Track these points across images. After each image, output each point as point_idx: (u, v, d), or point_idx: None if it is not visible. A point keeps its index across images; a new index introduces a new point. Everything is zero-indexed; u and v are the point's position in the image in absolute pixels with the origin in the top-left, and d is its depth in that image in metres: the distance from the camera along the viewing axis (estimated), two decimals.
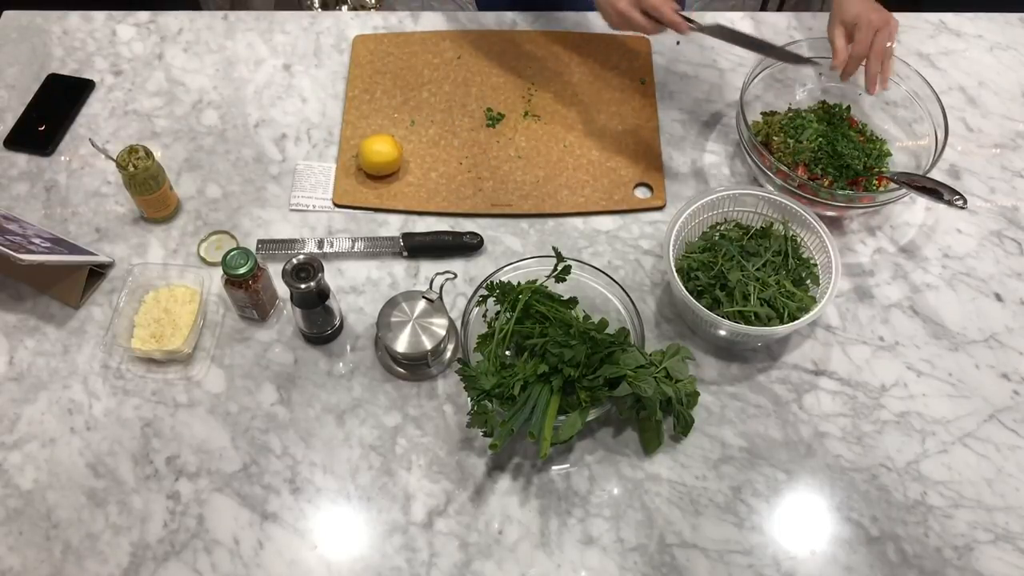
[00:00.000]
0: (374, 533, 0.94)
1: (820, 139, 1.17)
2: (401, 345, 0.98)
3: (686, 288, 1.02)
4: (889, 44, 1.13)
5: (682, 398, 0.96)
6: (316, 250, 1.13)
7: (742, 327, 0.98)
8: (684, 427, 0.98)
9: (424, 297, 1.01)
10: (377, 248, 1.14)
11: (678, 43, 1.37)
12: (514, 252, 1.15)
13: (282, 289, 1.08)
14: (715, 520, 0.95)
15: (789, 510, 0.96)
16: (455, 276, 1.10)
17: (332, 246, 1.14)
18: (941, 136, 1.14)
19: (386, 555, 0.93)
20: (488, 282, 1.03)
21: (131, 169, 1.07)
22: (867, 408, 1.03)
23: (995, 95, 1.32)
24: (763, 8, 2.32)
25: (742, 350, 1.07)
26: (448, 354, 1.05)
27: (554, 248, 1.03)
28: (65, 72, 1.32)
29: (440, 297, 1.02)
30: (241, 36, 1.37)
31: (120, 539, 0.93)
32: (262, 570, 0.92)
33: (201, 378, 1.04)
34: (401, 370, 1.04)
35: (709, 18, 1.37)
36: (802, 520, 0.96)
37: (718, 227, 1.11)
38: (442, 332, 0.99)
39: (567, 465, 0.98)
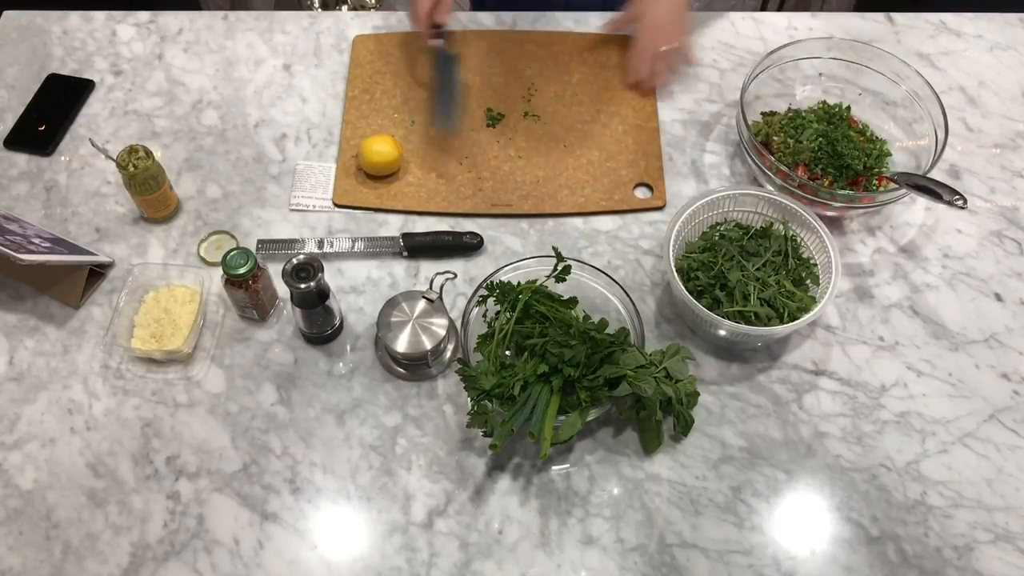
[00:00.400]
0: (374, 533, 0.94)
1: (820, 139, 1.17)
2: (401, 345, 0.98)
3: (686, 288, 1.02)
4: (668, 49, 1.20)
5: (682, 398, 0.96)
6: (316, 250, 1.13)
7: (742, 327, 0.98)
8: (684, 427, 0.98)
9: (424, 297, 1.01)
10: (377, 248, 1.14)
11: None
12: (514, 252, 1.15)
13: (282, 289, 1.08)
14: (715, 520, 0.95)
15: (789, 510, 0.96)
16: (455, 276, 1.10)
17: (332, 246, 1.14)
18: (941, 136, 1.14)
19: (386, 555, 0.93)
20: (488, 282, 1.03)
21: (131, 169, 1.07)
22: (867, 408, 1.03)
23: (995, 95, 1.32)
24: (763, 8, 2.32)
25: (742, 350, 1.07)
26: (448, 354, 1.05)
27: (554, 248, 1.03)
28: (65, 72, 1.32)
29: (440, 297, 1.02)
30: (241, 36, 1.37)
31: (120, 539, 0.93)
32: (262, 570, 0.92)
33: (201, 378, 1.04)
34: (401, 370, 1.04)
35: (700, 19, 1.38)
36: (802, 520, 0.96)
37: (718, 227, 1.11)
38: (442, 332, 0.99)
39: (567, 465, 0.98)
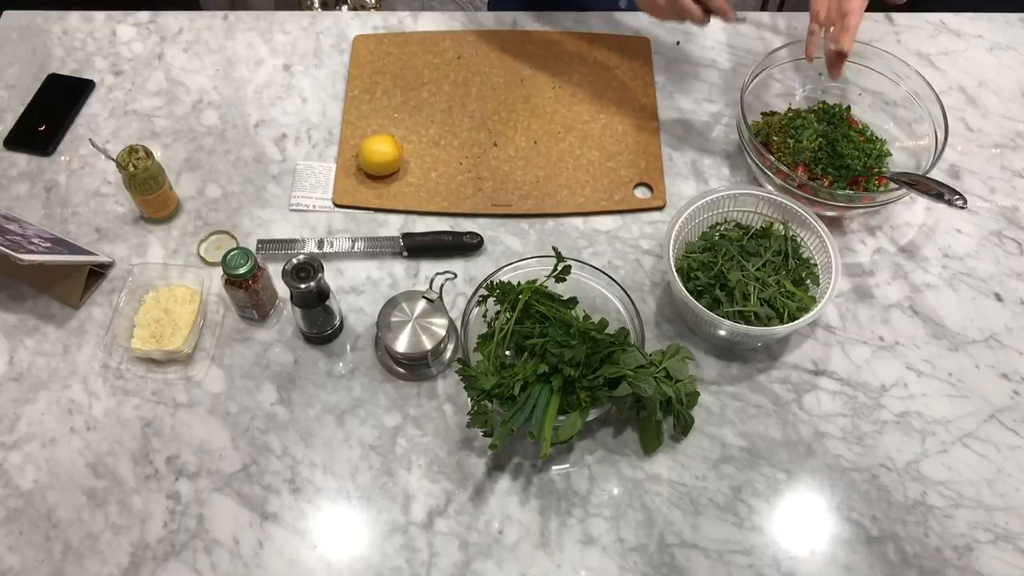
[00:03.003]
0: (374, 533, 0.94)
1: (820, 139, 1.17)
2: (401, 345, 0.98)
3: (686, 288, 1.02)
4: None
5: (682, 398, 0.96)
6: (316, 250, 1.13)
7: (742, 327, 0.98)
8: (684, 427, 0.98)
9: (424, 297, 1.01)
10: (377, 248, 1.14)
11: (678, 43, 1.37)
12: (514, 252, 1.15)
13: (282, 289, 1.08)
14: (715, 520, 0.95)
15: (789, 510, 0.96)
16: (455, 276, 1.10)
17: (332, 246, 1.14)
18: (941, 136, 1.14)
19: (386, 555, 0.93)
20: (488, 282, 1.03)
21: (131, 169, 1.07)
22: (867, 408, 1.03)
23: (995, 95, 1.32)
24: (763, 8, 2.32)
25: (742, 350, 1.07)
26: (448, 354, 1.05)
27: (554, 248, 1.03)
28: (65, 72, 1.32)
29: (440, 297, 1.02)
30: (241, 36, 1.37)
31: (120, 539, 0.93)
32: (262, 570, 0.92)
33: (201, 378, 1.04)
34: (401, 370, 1.04)
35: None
36: (802, 520, 0.96)
37: (718, 227, 1.11)
38: (442, 332, 0.99)
39: (567, 465, 0.98)
